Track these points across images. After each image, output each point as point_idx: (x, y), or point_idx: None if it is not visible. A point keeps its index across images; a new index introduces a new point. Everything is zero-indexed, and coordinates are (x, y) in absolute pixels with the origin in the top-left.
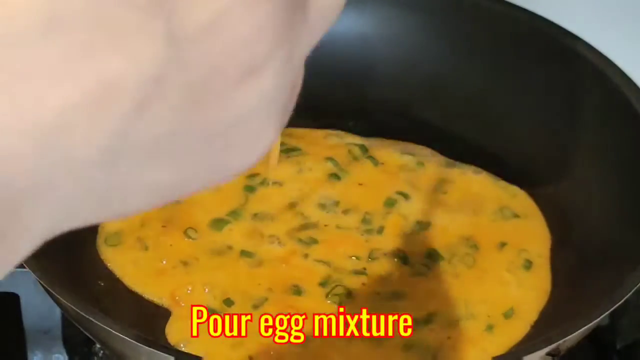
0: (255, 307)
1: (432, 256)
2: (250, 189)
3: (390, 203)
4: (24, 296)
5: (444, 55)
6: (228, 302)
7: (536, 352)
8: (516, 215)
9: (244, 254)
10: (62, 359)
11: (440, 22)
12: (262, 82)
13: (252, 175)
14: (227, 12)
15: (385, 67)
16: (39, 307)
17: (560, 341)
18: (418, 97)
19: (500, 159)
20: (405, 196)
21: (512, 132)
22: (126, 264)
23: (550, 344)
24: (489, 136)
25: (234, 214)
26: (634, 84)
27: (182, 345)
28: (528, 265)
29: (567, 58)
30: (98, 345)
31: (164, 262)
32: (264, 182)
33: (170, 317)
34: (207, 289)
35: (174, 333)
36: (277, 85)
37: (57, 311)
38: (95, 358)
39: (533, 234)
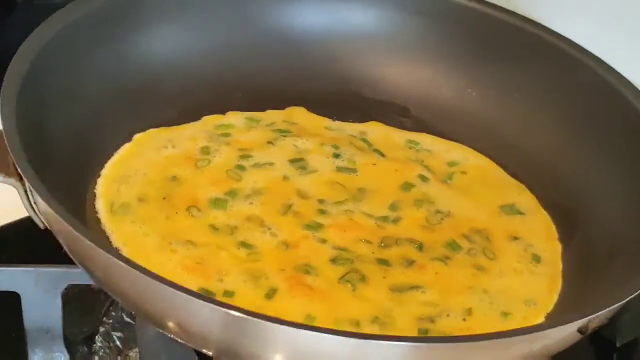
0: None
1: (450, 246)
2: (240, 168)
3: (407, 187)
4: (25, 295)
5: (444, 56)
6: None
7: (570, 323)
8: (522, 212)
9: (243, 245)
10: (63, 358)
11: (442, 24)
12: None
13: (245, 156)
14: None
15: (385, 66)
16: (40, 306)
17: (593, 315)
18: (417, 97)
19: (499, 159)
20: (424, 179)
21: (511, 133)
22: (130, 237)
23: (583, 317)
24: (488, 137)
25: (232, 193)
26: (634, 86)
27: None
28: (538, 258)
29: (568, 65)
30: (98, 344)
31: (169, 240)
32: (253, 164)
33: None
34: (222, 275)
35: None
36: None
37: (58, 310)
38: (96, 357)
39: (540, 230)
